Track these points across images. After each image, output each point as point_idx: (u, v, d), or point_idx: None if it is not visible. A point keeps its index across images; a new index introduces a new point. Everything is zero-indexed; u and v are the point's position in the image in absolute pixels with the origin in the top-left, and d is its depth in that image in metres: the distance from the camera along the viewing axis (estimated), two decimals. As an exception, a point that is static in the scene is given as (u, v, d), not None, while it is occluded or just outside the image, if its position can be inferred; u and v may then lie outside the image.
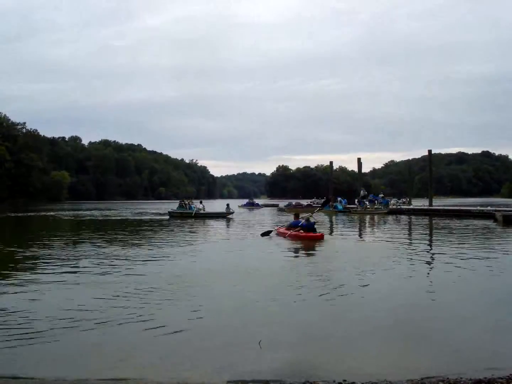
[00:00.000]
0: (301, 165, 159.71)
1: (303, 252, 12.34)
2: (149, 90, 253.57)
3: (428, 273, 8.99)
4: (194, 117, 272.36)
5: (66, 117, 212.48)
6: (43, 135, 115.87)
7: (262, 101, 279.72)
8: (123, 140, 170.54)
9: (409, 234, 18.51)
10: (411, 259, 10.63)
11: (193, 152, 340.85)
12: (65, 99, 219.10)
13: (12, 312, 5.96)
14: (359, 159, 44.89)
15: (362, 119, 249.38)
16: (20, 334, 5.10)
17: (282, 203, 62.06)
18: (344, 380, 3.78)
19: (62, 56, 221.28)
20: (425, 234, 18.33)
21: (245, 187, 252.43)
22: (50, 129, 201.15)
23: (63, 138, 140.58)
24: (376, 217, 30.29)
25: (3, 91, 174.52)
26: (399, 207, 36.01)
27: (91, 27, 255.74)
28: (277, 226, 18.42)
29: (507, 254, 11.41)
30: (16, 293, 7.11)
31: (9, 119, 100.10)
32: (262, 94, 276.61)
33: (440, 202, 44.68)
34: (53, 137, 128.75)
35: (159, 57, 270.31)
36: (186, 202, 33.01)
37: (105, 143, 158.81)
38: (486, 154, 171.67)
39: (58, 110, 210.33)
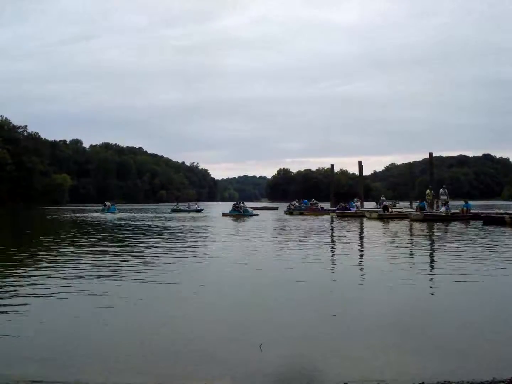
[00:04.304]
0: (319, 167, 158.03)
1: (306, 250, 12.30)
2: (169, 93, 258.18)
3: (431, 277, 8.95)
4: (211, 120, 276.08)
5: (68, 119, 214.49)
6: (44, 138, 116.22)
7: (287, 104, 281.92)
8: (127, 143, 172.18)
9: None
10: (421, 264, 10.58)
11: (197, 155, 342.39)
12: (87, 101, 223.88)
13: (15, 312, 5.96)
14: (359, 162, 44.94)
15: (369, 122, 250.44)
16: (19, 334, 5.10)
17: (281, 205, 60.03)
18: (345, 383, 3.77)
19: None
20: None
21: (246, 190, 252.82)
22: (51, 131, 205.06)
23: (64, 141, 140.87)
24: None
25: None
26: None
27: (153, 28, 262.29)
28: None
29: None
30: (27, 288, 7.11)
31: (11, 122, 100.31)
32: (287, 97, 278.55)
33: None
34: (54, 140, 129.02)
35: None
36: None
37: (106, 146, 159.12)
38: (487, 157, 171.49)
39: (60, 112, 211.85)
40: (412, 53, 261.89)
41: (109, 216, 38.62)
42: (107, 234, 19.85)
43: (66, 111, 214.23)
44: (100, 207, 47.87)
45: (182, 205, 54.37)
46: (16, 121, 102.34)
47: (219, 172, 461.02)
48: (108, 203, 46.66)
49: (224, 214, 38.11)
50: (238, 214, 36.45)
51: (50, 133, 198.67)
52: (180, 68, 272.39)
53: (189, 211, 48.79)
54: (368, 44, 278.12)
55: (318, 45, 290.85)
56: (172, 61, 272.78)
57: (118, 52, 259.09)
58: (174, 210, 50.37)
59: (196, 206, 51.43)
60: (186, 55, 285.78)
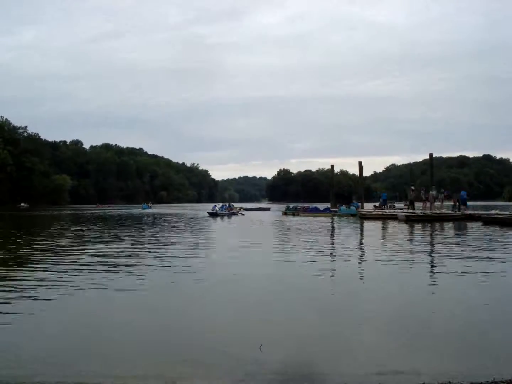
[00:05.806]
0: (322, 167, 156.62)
1: (304, 251, 12.28)
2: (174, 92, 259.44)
3: (432, 276, 8.94)
4: (215, 120, 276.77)
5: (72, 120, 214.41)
6: (44, 139, 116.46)
7: (296, 104, 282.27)
8: (127, 144, 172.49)
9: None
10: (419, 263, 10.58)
11: (199, 156, 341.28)
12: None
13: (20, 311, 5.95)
14: (360, 163, 44.90)
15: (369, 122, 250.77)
16: (20, 334, 5.09)
17: (275, 206, 60.15)
18: (346, 383, 3.76)
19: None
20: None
21: (246, 190, 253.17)
22: (51, 132, 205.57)
23: (64, 142, 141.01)
24: None
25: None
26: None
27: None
28: None
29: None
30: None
31: (11, 123, 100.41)
32: (297, 97, 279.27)
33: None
34: (54, 141, 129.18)
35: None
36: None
37: (106, 147, 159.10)
38: (487, 158, 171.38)
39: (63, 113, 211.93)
40: (418, 54, 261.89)
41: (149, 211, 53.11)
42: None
43: (68, 112, 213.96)
44: (142, 205, 67.49)
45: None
46: (22, 122, 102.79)
47: (222, 173, 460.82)
48: (150, 204, 70.82)
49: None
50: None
51: (50, 134, 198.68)
52: (184, 67, 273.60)
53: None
54: (371, 43, 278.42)
55: (331, 44, 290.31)
56: (176, 60, 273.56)
57: (129, 51, 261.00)
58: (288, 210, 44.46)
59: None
60: (190, 54, 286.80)
